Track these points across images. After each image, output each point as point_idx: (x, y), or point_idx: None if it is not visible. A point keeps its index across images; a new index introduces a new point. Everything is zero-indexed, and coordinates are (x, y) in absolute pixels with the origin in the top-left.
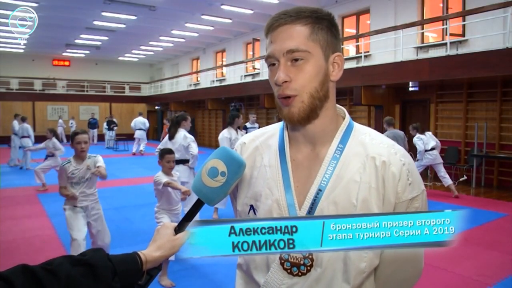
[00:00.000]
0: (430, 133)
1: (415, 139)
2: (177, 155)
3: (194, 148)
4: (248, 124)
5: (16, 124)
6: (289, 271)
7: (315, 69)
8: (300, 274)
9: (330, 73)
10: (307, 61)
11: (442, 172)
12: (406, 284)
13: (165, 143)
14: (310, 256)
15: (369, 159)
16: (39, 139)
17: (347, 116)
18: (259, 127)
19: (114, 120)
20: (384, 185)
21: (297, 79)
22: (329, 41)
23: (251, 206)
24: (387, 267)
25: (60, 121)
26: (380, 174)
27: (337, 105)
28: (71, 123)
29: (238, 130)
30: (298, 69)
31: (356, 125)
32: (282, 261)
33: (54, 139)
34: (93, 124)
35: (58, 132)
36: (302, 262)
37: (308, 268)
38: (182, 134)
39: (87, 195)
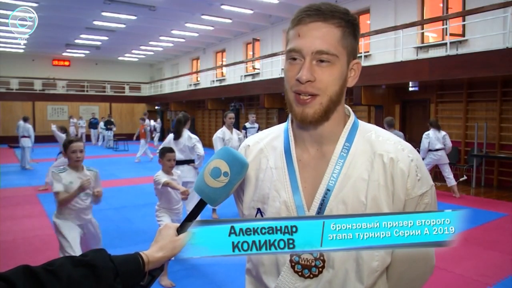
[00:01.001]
0: (443, 133)
1: (423, 135)
2: (182, 156)
3: (201, 149)
4: (247, 124)
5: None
6: (300, 273)
7: (339, 73)
8: (312, 276)
9: (347, 78)
10: (333, 65)
11: (446, 173)
12: (418, 282)
13: (168, 143)
14: (322, 258)
15: (376, 156)
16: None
17: (352, 114)
18: (259, 127)
19: (112, 120)
20: (393, 182)
21: (321, 80)
22: (353, 47)
23: (258, 210)
24: (399, 266)
25: (72, 120)
26: (389, 171)
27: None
28: (79, 123)
29: (235, 130)
30: (323, 71)
31: (361, 123)
32: (293, 264)
33: (61, 136)
34: (94, 124)
35: (70, 132)
36: (313, 264)
37: (320, 269)
38: (187, 135)
39: (86, 209)
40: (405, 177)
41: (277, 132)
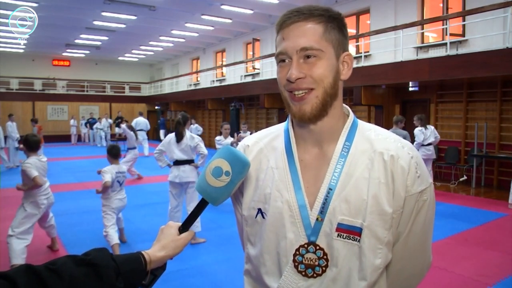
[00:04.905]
0: (432, 127)
1: (416, 131)
2: (184, 156)
3: (204, 148)
4: (241, 133)
5: (9, 125)
6: (303, 273)
7: (328, 66)
8: (315, 275)
9: (340, 71)
10: (320, 59)
11: (429, 168)
12: (415, 278)
13: (167, 143)
14: (325, 257)
15: (376, 154)
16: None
17: (351, 113)
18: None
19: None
20: (393, 179)
21: (312, 73)
22: (340, 40)
23: (259, 210)
24: (397, 264)
25: (72, 121)
26: (389, 168)
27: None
28: (80, 123)
29: (230, 137)
30: (311, 65)
31: (360, 122)
32: (296, 264)
33: (131, 134)
34: (92, 123)
35: (73, 132)
36: (317, 263)
37: (324, 268)
38: (188, 135)
39: None
40: (405, 174)
41: (277, 132)
